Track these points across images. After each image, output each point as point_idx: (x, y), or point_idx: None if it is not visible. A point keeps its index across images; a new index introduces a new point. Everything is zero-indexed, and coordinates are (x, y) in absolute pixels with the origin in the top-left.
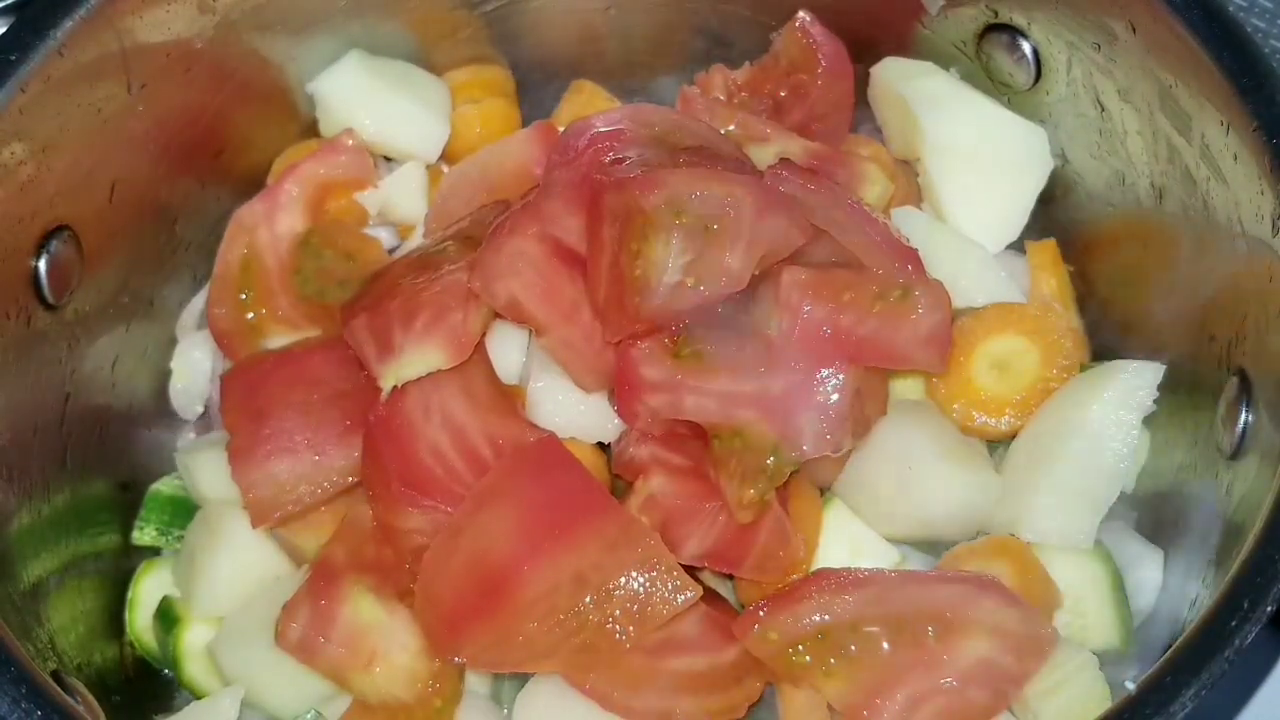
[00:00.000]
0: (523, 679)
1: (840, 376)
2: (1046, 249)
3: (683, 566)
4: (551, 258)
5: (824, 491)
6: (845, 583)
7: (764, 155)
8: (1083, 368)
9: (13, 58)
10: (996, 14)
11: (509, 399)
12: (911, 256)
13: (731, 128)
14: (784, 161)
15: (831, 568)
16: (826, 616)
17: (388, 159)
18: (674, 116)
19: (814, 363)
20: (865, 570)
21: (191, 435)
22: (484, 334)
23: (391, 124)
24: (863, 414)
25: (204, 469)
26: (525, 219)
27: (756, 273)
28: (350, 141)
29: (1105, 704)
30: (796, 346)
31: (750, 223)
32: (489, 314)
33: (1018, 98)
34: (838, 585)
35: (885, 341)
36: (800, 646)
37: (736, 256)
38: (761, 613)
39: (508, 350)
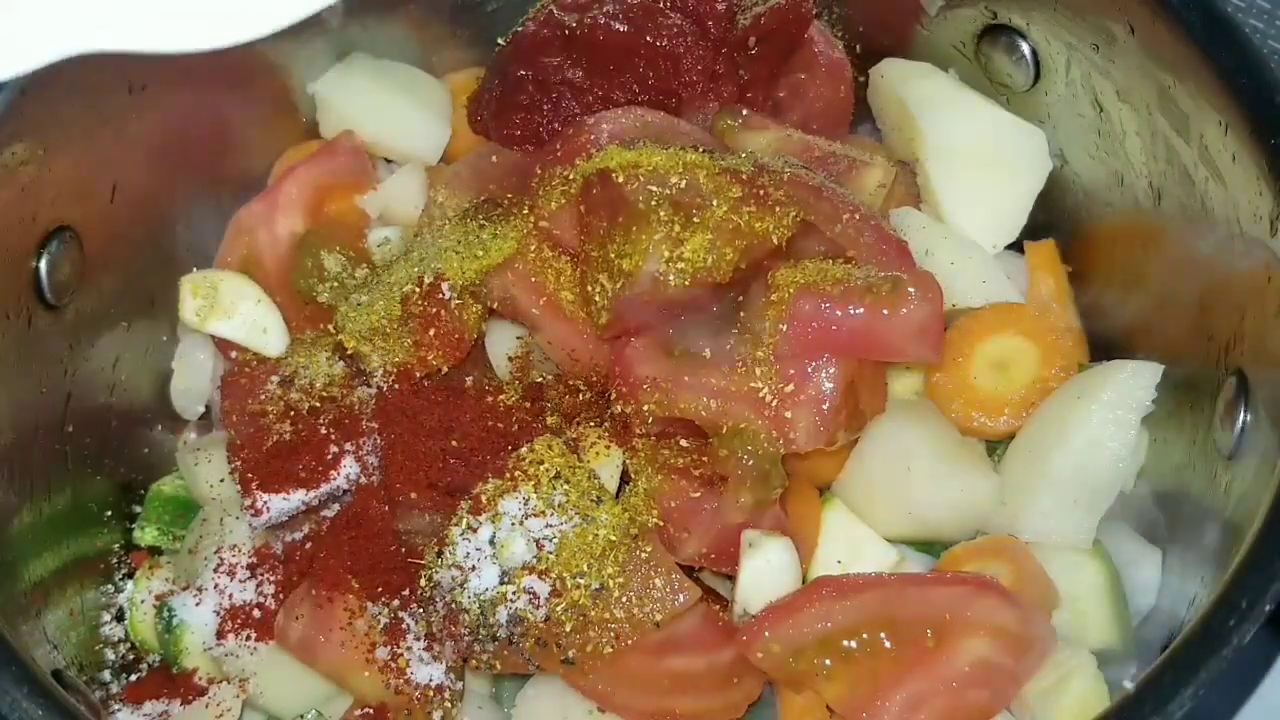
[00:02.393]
0: (523, 679)
1: (831, 370)
2: (1045, 249)
3: (682, 567)
4: (545, 254)
5: (823, 491)
6: (844, 589)
7: (760, 143)
8: (1081, 368)
9: None
10: (995, 15)
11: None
12: (901, 249)
13: (730, 121)
14: (776, 154)
15: (830, 575)
16: (827, 624)
17: (388, 160)
18: (668, 117)
19: (806, 357)
20: (863, 575)
21: (193, 435)
22: (481, 333)
23: (392, 126)
24: (858, 409)
25: (205, 469)
26: (518, 216)
27: (744, 266)
28: (350, 143)
29: (1103, 703)
30: (788, 341)
31: (733, 214)
32: (484, 312)
33: (1016, 98)
34: (837, 592)
35: (877, 334)
36: (801, 654)
37: (718, 247)
38: (763, 625)
39: (506, 348)
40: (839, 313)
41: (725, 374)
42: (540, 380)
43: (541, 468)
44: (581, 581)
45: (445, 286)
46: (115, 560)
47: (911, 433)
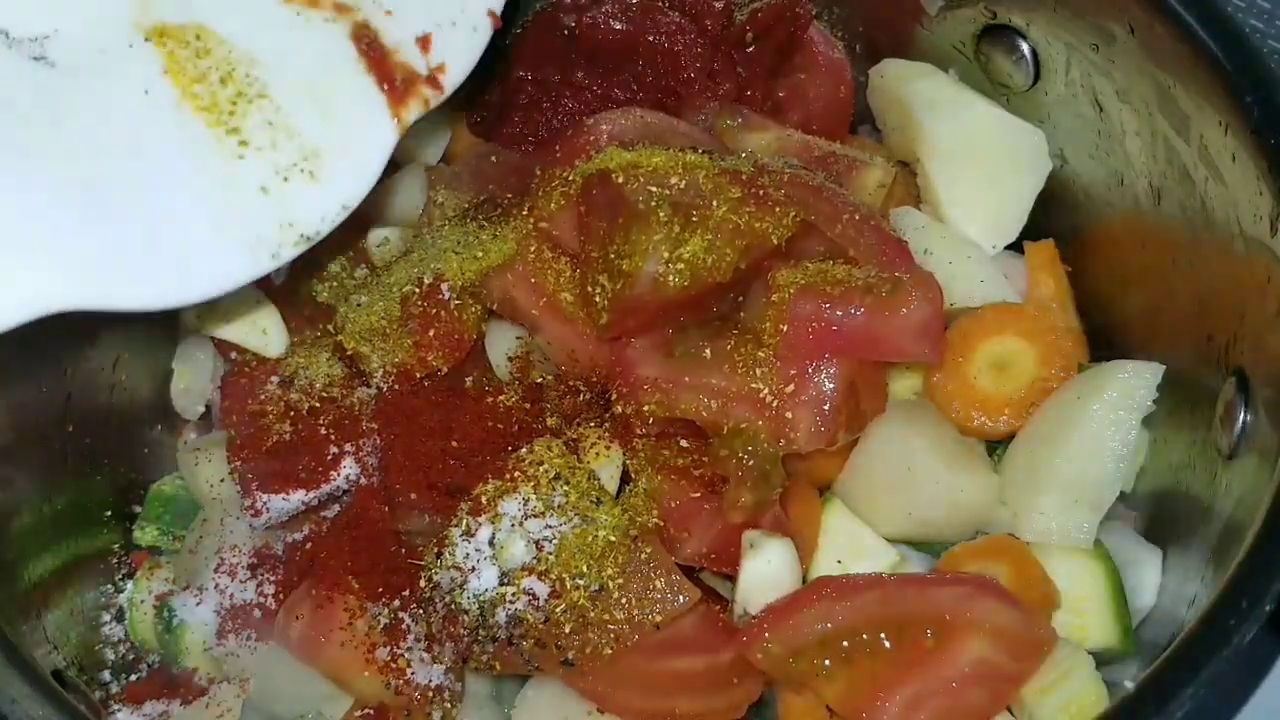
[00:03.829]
0: (523, 679)
1: (832, 370)
2: (1045, 250)
3: (681, 567)
4: (544, 255)
5: (823, 492)
6: (844, 589)
7: (760, 143)
8: (1081, 368)
9: None
10: (995, 15)
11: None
12: (901, 249)
13: (730, 121)
14: (776, 154)
15: (830, 575)
16: (827, 625)
17: (388, 161)
18: (667, 118)
19: (806, 358)
20: (863, 575)
21: (193, 435)
22: (481, 334)
23: None
24: (859, 409)
25: (205, 469)
26: (518, 217)
27: (743, 267)
28: None
29: (1102, 703)
30: (788, 342)
31: (733, 215)
32: (484, 313)
33: (1016, 98)
34: (837, 592)
35: (877, 334)
36: (801, 655)
37: (718, 248)
38: (763, 625)
39: (506, 349)
40: (839, 313)
41: (725, 374)
42: (540, 380)
43: (541, 468)
44: (581, 583)
45: (445, 287)
46: (115, 560)
47: (911, 433)
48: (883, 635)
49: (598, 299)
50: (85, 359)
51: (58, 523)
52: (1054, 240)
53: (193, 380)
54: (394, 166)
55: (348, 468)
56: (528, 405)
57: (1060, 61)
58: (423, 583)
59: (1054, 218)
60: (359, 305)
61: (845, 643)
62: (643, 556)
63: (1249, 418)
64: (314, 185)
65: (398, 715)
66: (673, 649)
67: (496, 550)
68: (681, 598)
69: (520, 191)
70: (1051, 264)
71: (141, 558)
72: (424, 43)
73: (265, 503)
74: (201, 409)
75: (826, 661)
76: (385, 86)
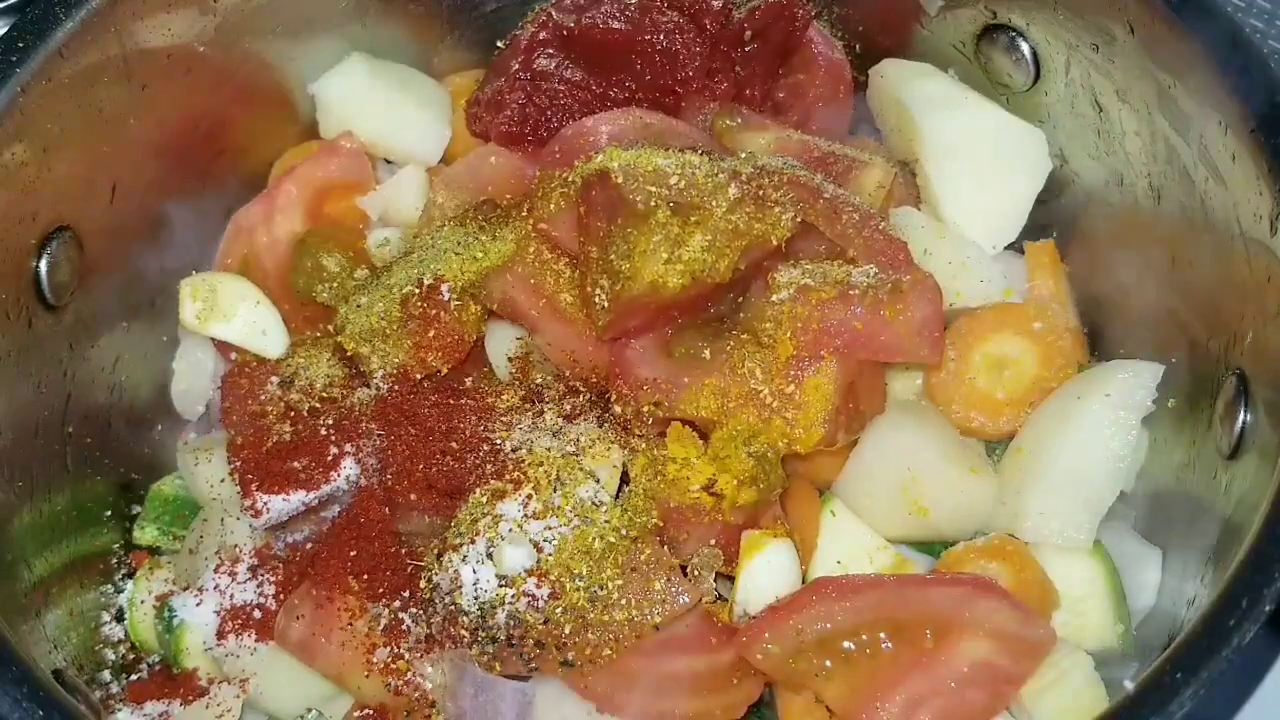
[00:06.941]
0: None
1: (832, 370)
2: (1045, 249)
3: (682, 567)
4: (544, 256)
5: (823, 491)
6: (844, 590)
7: (760, 143)
8: (1081, 368)
9: (13, 59)
10: (995, 15)
11: None
12: (901, 249)
13: (729, 121)
14: (776, 154)
15: (829, 576)
16: (827, 625)
17: (388, 161)
18: (666, 118)
19: (805, 358)
20: (863, 576)
21: (193, 435)
22: (480, 334)
23: (392, 126)
24: (858, 410)
25: (205, 469)
26: (517, 218)
27: (743, 267)
28: (349, 144)
29: (1101, 702)
30: (788, 343)
31: (732, 215)
32: (483, 314)
33: (1016, 98)
34: (836, 593)
35: (876, 335)
36: (800, 655)
37: (718, 248)
38: (762, 625)
39: (506, 349)
40: (839, 314)
41: (725, 375)
42: (540, 380)
43: (541, 469)
44: (580, 583)
45: (445, 288)
46: (115, 560)
47: (911, 433)
48: (882, 636)
49: (597, 300)
50: (85, 359)
51: (58, 523)
52: (1054, 240)
53: (193, 380)
54: (394, 167)
55: (348, 468)
56: (528, 406)
57: (1060, 61)
58: (423, 584)
59: (1054, 218)
60: (359, 306)
61: (845, 643)
62: (642, 557)
63: (1249, 418)
64: None
65: (398, 715)
66: (673, 649)
67: (496, 551)
68: (682, 598)
69: (520, 192)
70: (1051, 264)
71: (141, 558)
72: None
73: (265, 503)
74: (201, 409)
75: (826, 662)
76: None
